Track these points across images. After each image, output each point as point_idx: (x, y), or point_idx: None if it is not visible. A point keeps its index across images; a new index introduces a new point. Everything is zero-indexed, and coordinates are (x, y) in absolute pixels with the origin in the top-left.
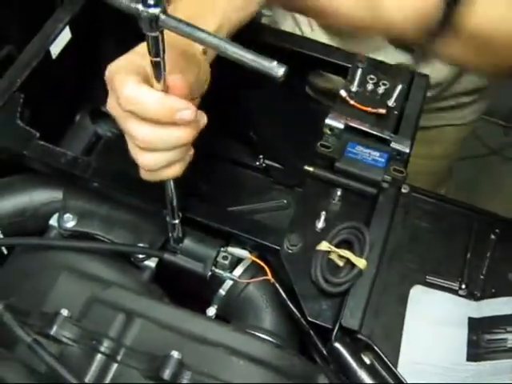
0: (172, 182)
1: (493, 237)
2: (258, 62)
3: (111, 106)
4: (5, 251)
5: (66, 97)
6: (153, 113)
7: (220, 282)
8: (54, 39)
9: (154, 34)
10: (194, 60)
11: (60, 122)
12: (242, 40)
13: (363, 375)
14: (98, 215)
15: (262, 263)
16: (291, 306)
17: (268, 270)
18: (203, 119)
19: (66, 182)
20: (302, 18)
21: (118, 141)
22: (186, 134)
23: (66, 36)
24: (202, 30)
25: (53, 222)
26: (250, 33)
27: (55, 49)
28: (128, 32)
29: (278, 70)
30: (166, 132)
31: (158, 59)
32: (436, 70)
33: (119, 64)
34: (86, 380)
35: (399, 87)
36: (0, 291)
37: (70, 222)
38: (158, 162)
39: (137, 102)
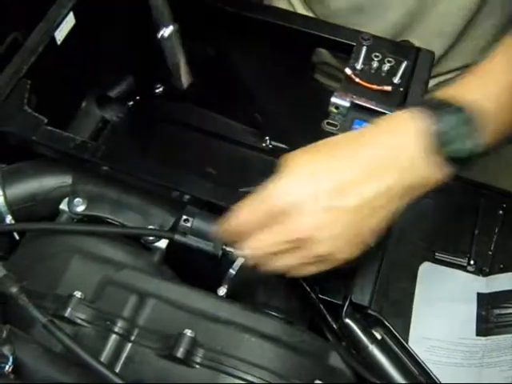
0: None
1: (500, 212)
2: None
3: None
4: (16, 236)
5: (72, 82)
6: None
7: (230, 262)
8: (59, 25)
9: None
10: None
11: (66, 107)
12: (245, 20)
13: (374, 350)
14: (108, 199)
15: None
16: (301, 280)
17: None
18: None
19: (75, 166)
20: (296, 1)
21: (125, 126)
22: None
23: (70, 21)
24: None
25: (63, 206)
26: (254, 13)
27: (60, 34)
28: (132, 16)
29: None
30: None
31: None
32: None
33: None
34: (101, 359)
35: (404, 64)
36: (14, 275)
37: (80, 206)
38: None
39: None
